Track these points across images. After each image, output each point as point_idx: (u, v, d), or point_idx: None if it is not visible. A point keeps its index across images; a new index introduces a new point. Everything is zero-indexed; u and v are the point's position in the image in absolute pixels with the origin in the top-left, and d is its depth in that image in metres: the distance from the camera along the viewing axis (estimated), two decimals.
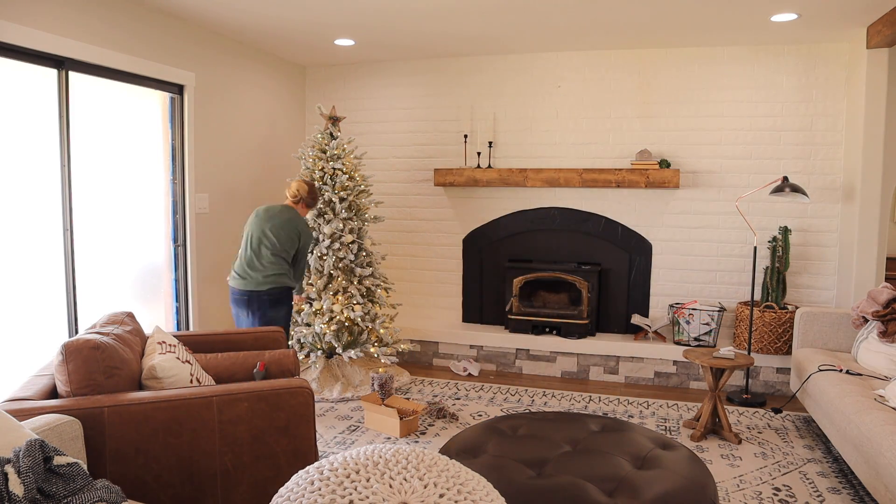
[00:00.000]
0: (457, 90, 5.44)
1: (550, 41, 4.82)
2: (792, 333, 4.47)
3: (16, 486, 1.55)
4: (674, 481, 2.14)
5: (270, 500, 2.02)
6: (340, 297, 4.41)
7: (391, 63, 5.60)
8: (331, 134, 4.64)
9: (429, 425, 3.91)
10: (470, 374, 5.05)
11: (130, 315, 2.85)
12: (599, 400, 4.43)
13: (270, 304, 3.82)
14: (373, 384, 3.88)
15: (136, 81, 3.94)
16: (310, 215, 4.50)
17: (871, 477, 2.67)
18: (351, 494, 1.40)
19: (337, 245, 4.43)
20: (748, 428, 3.92)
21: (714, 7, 3.85)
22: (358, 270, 4.52)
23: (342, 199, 4.53)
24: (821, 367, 3.56)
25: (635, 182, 4.84)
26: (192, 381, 2.53)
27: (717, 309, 4.74)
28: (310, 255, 4.49)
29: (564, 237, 5.28)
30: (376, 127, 5.69)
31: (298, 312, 4.48)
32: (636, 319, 4.98)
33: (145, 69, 3.93)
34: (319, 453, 3.43)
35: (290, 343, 4.34)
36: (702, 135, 4.93)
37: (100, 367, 2.23)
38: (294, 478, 1.51)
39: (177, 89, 4.29)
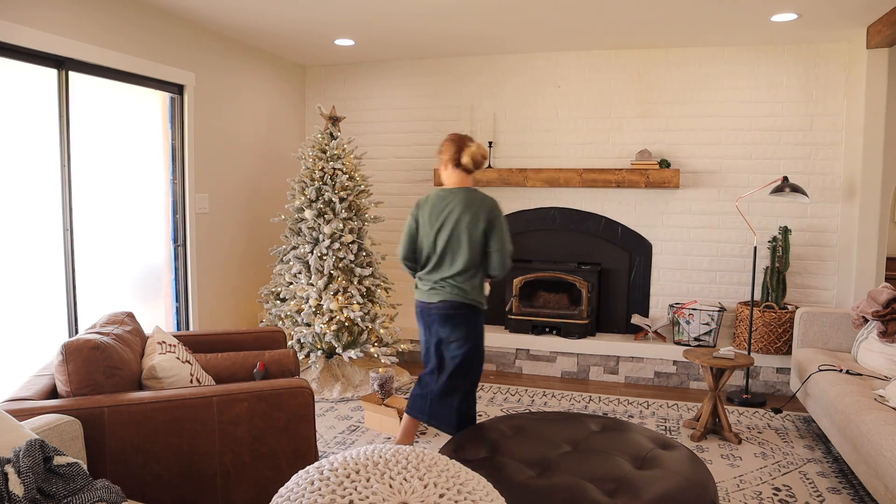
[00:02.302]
0: (457, 90, 5.44)
1: (550, 41, 4.82)
2: (792, 333, 4.47)
3: (16, 486, 1.55)
4: (674, 481, 2.14)
5: (270, 500, 2.02)
6: (340, 297, 4.41)
7: (391, 63, 5.59)
8: (331, 134, 4.64)
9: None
10: None
11: (130, 315, 2.85)
12: (599, 400, 4.43)
13: None
14: (373, 384, 3.88)
15: (136, 81, 3.94)
16: (309, 215, 4.48)
17: (871, 477, 2.67)
18: (351, 494, 1.40)
19: (337, 245, 4.43)
20: (748, 428, 3.92)
21: (714, 7, 3.85)
22: (358, 270, 4.52)
23: (342, 199, 4.53)
24: (821, 367, 3.56)
25: (635, 182, 4.84)
26: (192, 381, 2.53)
27: (717, 309, 4.74)
28: (310, 254, 4.49)
29: (564, 237, 5.28)
30: (376, 127, 5.69)
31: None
32: (636, 319, 4.98)
33: (145, 69, 3.93)
34: (319, 453, 3.43)
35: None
36: (702, 135, 4.93)
37: (100, 367, 2.23)
38: (294, 478, 1.51)
39: (177, 89, 4.29)
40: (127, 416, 2.15)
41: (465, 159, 2.98)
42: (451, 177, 3.08)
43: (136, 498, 2.16)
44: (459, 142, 3.02)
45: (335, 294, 4.45)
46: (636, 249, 5.13)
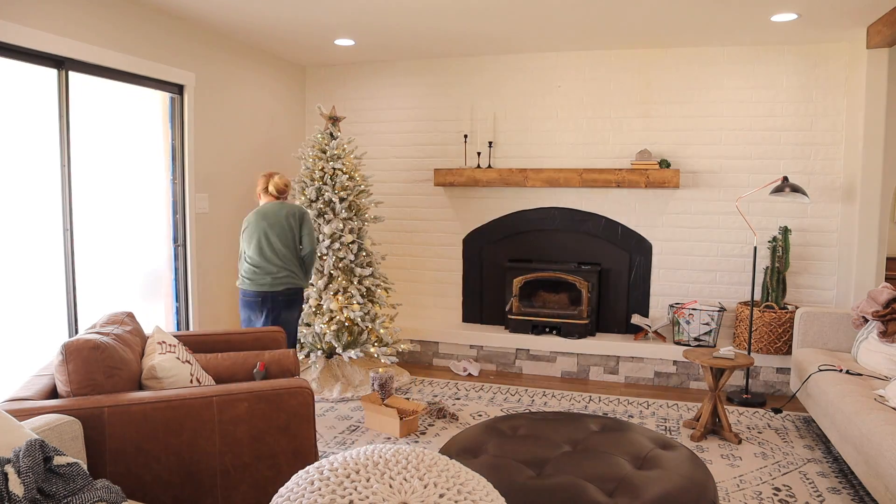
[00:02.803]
0: (457, 90, 5.44)
1: (550, 41, 4.82)
2: (792, 333, 4.47)
3: (16, 486, 1.55)
4: (674, 481, 2.14)
5: (270, 500, 2.02)
6: (340, 297, 4.41)
7: (391, 63, 5.60)
8: (331, 134, 4.64)
9: (429, 425, 3.91)
10: (470, 374, 5.05)
11: (130, 315, 2.85)
12: (599, 400, 4.43)
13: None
14: (373, 384, 3.88)
15: (136, 81, 3.94)
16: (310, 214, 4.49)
17: (871, 477, 2.67)
18: (351, 494, 1.40)
19: (337, 245, 4.43)
20: (748, 428, 3.92)
21: (714, 7, 3.85)
22: (358, 270, 4.52)
23: (342, 199, 4.53)
24: (821, 367, 3.56)
25: (635, 182, 4.84)
26: (192, 381, 2.53)
27: (717, 309, 4.74)
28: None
29: (564, 237, 5.28)
30: (376, 127, 5.69)
31: None
32: (636, 319, 4.98)
33: (145, 69, 3.93)
34: (319, 453, 3.43)
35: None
36: (702, 135, 4.93)
37: (100, 367, 2.23)
38: (294, 478, 1.51)
39: (177, 89, 4.29)
40: (127, 416, 2.15)
41: (271, 188, 4.02)
42: (266, 200, 4.05)
43: (136, 498, 2.16)
44: (268, 177, 4.05)
45: (335, 294, 4.45)
46: (636, 249, 5.14)
